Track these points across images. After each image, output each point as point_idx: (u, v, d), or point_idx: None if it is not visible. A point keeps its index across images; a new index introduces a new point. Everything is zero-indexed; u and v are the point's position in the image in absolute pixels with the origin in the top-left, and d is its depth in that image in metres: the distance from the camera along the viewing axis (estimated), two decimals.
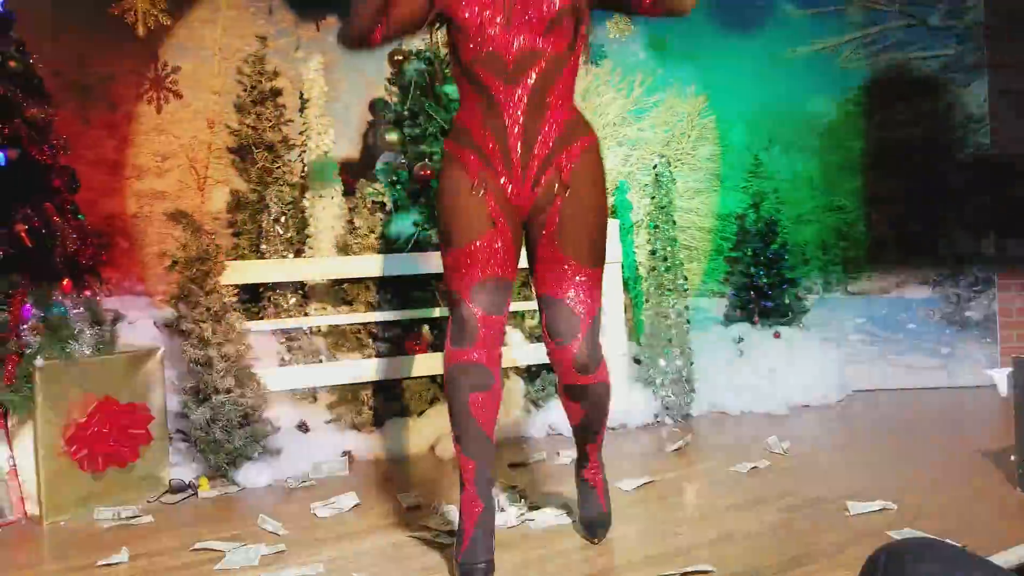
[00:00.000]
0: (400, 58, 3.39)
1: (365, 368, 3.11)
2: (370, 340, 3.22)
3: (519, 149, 1.91)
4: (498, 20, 1.89)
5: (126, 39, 3.13)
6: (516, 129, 1.90)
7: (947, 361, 4.04)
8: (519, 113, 1.90)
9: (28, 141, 2.58)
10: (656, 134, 4.17)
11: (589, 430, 2.07)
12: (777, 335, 3.82)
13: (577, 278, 1.91)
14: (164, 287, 3.18)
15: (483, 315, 1.87)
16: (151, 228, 3.35)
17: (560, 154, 1.92)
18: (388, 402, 3.15)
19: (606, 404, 2.03)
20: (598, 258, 1.95)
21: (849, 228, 4.15)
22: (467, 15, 1.89)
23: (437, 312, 3.23)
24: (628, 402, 3.39)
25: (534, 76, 1.88)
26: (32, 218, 2.53)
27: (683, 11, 1.90)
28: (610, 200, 3.92)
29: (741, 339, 3.82)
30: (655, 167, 3.62)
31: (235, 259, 3.19)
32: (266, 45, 3.42)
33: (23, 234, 2.49)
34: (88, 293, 2.66)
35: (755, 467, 2.68)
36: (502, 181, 1.93)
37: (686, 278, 3.63)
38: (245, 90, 3.38)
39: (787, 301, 3.91)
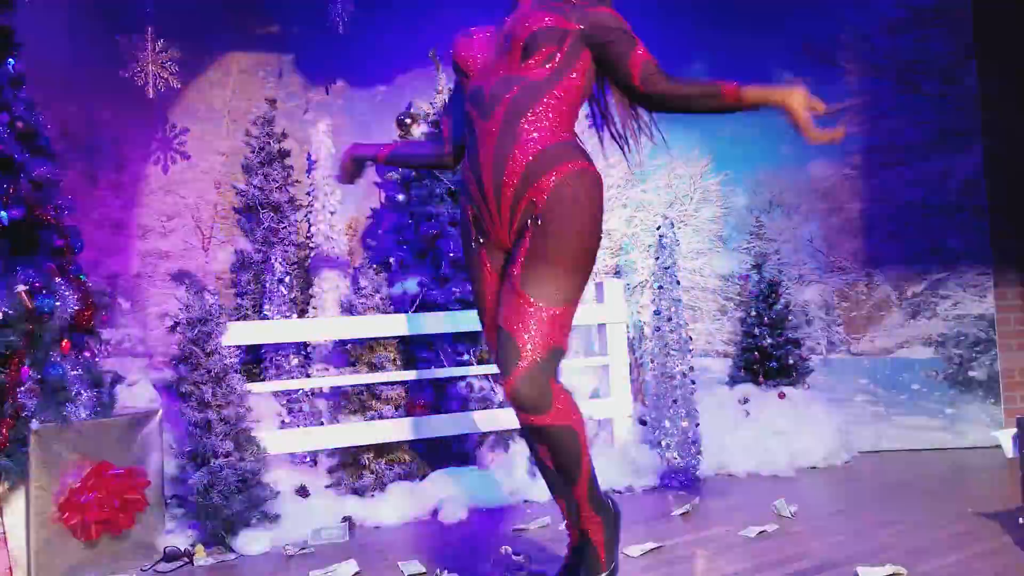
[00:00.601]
0: (408, 121, 3.44)
1: (367, 431, 3.06)
2: (373, 401, 3.18)
3: (492, 184, 1.83)
4: (488, 56, 1.93)
5: (136, 101, 3.17)
6: (488, 163, 1.83)
7: (951, 422, 4.01)
8: (491, 146, 1.82)
9: (32, 201, 2.57)
10: (660, 196, 4.22)
11: (562, 472, 1.88)
12: (782, 395, 3.80)
13: (532, 313, 1.74)
14: (164, 348, 3.15)
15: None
16: (154, 288, 3.34)
17: (532, 185, 1.80)
18: (390, 466, 3.09)
19: (573, 449, 1.81)
20: (562, 298, 1.77)
21: (850, 289, 4.16)
22: (468, 58, 1.96)
23: (442, 373, 3.19)
24: (634, 464, 3.33)
25: (505, 105, 1.82)
26: (34, 279, 2.51)
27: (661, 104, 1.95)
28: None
29: (746, 399, 3.79)
30: (659, 228, 3.65)
31: (238, 319, 3.17)
32: (275, 107, 3.47)
33: (24, 295, 2.47)
34: (87, 354, 2.63)
35: (763, 531, 2.63)
36: (491, 227, 1.89)
37: (691, 338, 3.62)
38: (253, 151, 3.42)
39: (791, 361, 3.90)
